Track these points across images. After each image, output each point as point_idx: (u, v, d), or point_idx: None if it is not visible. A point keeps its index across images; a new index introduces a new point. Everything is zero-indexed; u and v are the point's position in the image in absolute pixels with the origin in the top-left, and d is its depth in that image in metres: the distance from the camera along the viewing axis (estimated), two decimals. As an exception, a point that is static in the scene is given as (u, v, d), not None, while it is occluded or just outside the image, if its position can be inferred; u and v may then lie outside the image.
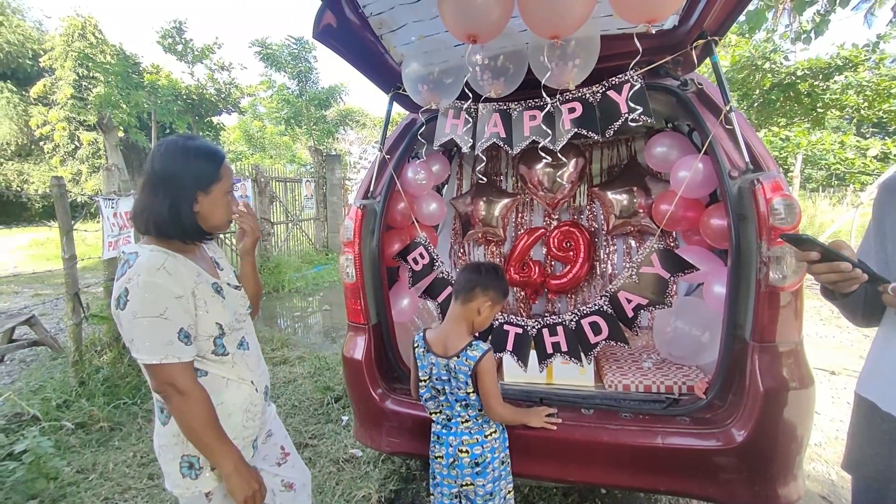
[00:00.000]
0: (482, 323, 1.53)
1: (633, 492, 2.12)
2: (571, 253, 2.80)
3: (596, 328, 1.82)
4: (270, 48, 12.44)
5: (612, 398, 1.85)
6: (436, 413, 1.55)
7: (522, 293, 2.98)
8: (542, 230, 2.92)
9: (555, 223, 2.96)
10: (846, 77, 9.33)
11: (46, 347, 4.07)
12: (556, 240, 2.86)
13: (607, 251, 2.89)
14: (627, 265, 2.05)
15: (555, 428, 1.63)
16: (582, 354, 1.84)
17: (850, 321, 1.19)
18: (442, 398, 1.51)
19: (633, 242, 2.80)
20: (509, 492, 1.54)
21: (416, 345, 1.56)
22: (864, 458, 1.11)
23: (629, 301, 1.78)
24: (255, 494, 1.15)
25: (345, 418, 2.88)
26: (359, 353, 1.96)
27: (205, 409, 1.10)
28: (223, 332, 1.19)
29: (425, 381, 1.53)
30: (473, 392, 1.44)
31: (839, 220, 9.79)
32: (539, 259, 2.97)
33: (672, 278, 1.74)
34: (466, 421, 1.48)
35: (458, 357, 1.43)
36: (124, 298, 1.05)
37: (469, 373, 1.42)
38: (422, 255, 2.14)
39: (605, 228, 2.83)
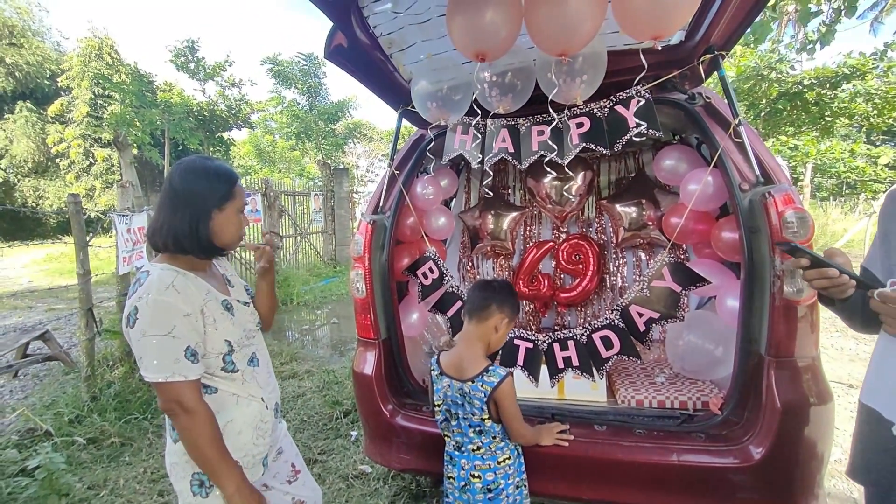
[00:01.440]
0: (498, 341, 1.50)
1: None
2: (581, 266, 2.79)
3: (608, 342, 1.80)
4: (281, 65, 12.72)
5: (625, 414, 1.83)
6: (448, 436, 1.53)
7: (532, 306, 2.97)
8: (551, 243, 2.92)
9: (563, 236, 2.96)
10: (854, 85, 9.31)
11: (60, 362, 4.11)
12: (565, 253, 2.86)
13: (617, 264, 2.87)
14: (638, 278, 2.04)
15: (566, 444, 1.60)
16: (594, 369, 1.82)
17: (850, 328, 1.21)
18: (454, 423, 1.48)
19: (642, 255, 2.79)
20: None
21: (431, 368, 1.55)
22: (866, 465, 1.14)
23: (641, 315, 1.76)
24: None
25: (354, 433, 2.86)
26: (369, 369, 1.96)
27: (209, 428, 1.10)
28: (232, 348, 1.20)
29: (439, 404, 1.50)
30: (489, 419, 1.41)
31: (852, 229, 9.67)
32: (548, 272, 2.96)
33: (684, 292, 1.73)
34: (478, 448, 1.44)
35: (474, 382, 1.40)
36: (134, 317, 1.07)
37: (485, 399, 1.38)
38: (431, 270, 2.15)
39: (615, 241, 2.82)
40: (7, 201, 17.24)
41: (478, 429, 1.43)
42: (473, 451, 1.44)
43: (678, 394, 1.93)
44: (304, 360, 4.40)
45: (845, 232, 9.79)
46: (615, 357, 1.79)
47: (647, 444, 1.58)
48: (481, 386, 1.39)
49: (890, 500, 1.06)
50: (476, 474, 1.43)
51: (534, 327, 2.94)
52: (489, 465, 1.43)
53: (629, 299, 1.79)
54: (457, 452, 1.48)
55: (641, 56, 1.55)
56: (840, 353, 4.21)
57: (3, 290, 8.13)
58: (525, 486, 1.51)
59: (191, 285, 1.14)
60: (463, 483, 1.45)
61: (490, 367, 1.41)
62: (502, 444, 1.46)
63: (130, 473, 2.49)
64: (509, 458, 1.46)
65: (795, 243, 1.11)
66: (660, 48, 1.48)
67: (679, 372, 2.14)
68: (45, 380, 4.00)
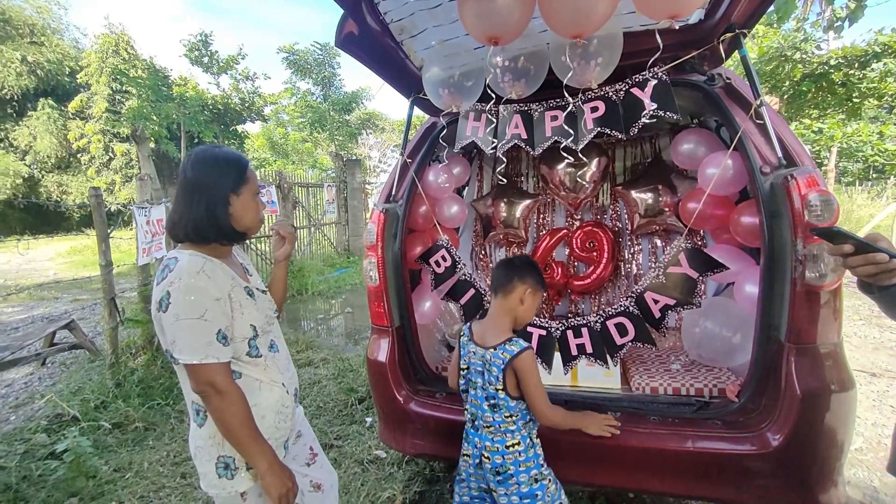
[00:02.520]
0: (525, 313, 1.50)
1: (662, 497, 2.07)
2: (595, 253, 2.76)
3: (622, 329, 1.79)
4: (297, 54, 12.75)
5: (639, 401, 1.82)
6: (466, 408, 1.54)
7: (545, 294, 2.96)
8: (565, 231, 2.89)
9: (577, 223, 2.92)
10: (885, 64, 8.92)
11: (85, 350, 4.25)
12: (578, 240, 2.83)
13: (632, 251, 2.84)
14: (653, 265, 2.01)
15: (610, 436, 1.55)
16: (608, 356, 1.81)
17: (890, 317, 1.14)
18: (472, 392, 1.50)
19: (658, 242, 2.74)
20: None
21: (461, 333, 1.58)
22: None
23: (656, 301, 1.74)
24: (288, 492, 1.17)
25: (369, 420, 2.91)
26: (382, 356, 1.98)
27: (242, 408, 1.13)
28: (256, 333, 1.23)
29: (465, 369, 1.53)
30: (503, 390, 1.41)
31: (879, 214, 9.34)
32: (562, 260, 2.94)
33: (701, 278, 1.70)
34: (489, 426, 1.45)
35: (495, 350, 1.42)
36: (166, 301, 1.09)
37: (503, 367, 1.39)
38: (444, 258, 2.15)
39: (630, 228, 2.78)
40: (32, 196, 17.74)
41: (492, 401, 1.44)
42: (485, 427, 1.46)
43: (694, 381, 1.91)
44: (320, 348, 4.48)
45: (871, 218, 9.46)
46: (629, 344, 1.78)
47: (662, 430, 1.57)
48: (501, 353, 1.41)
49: None
50: (486, 455, 1.45)
51: (547, 315, 2.93)
52: (497, 447, 1.44)
53: (645, 286, 1.77)
54: (472, 429, 1.51)
55: (658, 37, 1.51)
56: (864, 342, 4.11)
57: (31, 282, 8.41)
58: (545, 479, 1.45)
59: (218, 270, 1.17)
60: (477, 461, 1.47)
61: (513, 338, 1.44)
62: (513, 427, 1.43)
63: (154, 457, 2.58)
64: (519, 445, 1.43)
65: (837, 227, 1.02)
66: (677, 27, 1.43)
67: (695, 359, 2.12)
68: (71, 367, 4.14)
